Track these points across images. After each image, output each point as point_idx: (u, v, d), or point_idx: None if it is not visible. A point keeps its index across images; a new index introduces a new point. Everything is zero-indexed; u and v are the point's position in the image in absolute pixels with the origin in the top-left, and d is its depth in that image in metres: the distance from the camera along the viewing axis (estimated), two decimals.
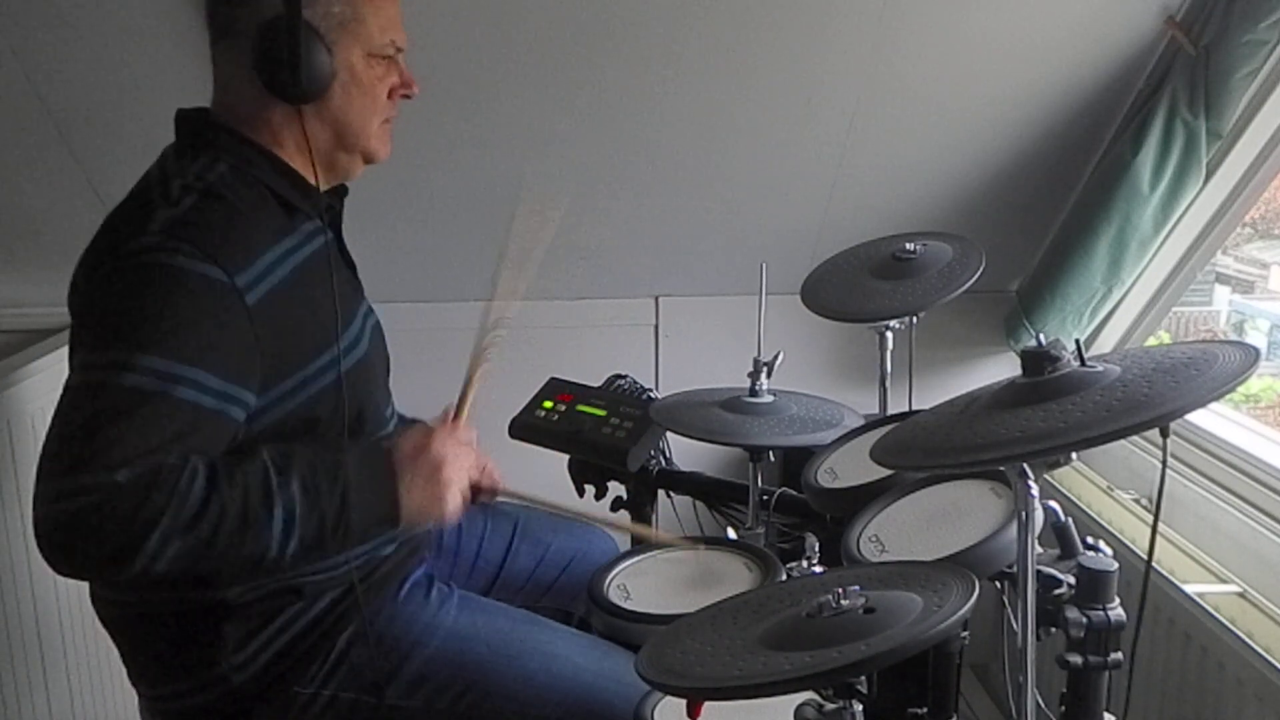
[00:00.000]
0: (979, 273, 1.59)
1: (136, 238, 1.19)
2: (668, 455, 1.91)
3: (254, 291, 1.20)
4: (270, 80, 1.25)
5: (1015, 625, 1.07)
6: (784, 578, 1.40)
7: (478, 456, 1.36)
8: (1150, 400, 0.94)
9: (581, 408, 1.81)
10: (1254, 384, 2.58)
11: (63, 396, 1.14)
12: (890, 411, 1.68)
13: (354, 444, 1.29)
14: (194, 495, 1.11)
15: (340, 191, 1.42)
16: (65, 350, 1.92)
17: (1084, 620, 1.12)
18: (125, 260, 1.18)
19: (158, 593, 1.27)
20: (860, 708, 1.04)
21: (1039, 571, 1.12)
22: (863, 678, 1.03)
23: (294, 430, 1.27)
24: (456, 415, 1.39)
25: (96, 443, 1.09)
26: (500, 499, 1.44)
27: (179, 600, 1.28)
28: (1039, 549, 1.10)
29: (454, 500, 1.28)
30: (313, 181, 1.33)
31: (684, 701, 1.06)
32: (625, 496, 1.85)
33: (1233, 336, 2.79)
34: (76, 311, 1.24)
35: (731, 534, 1.71)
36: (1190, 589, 1.71)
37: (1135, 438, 2.04)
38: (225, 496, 1.13)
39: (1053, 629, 1.14)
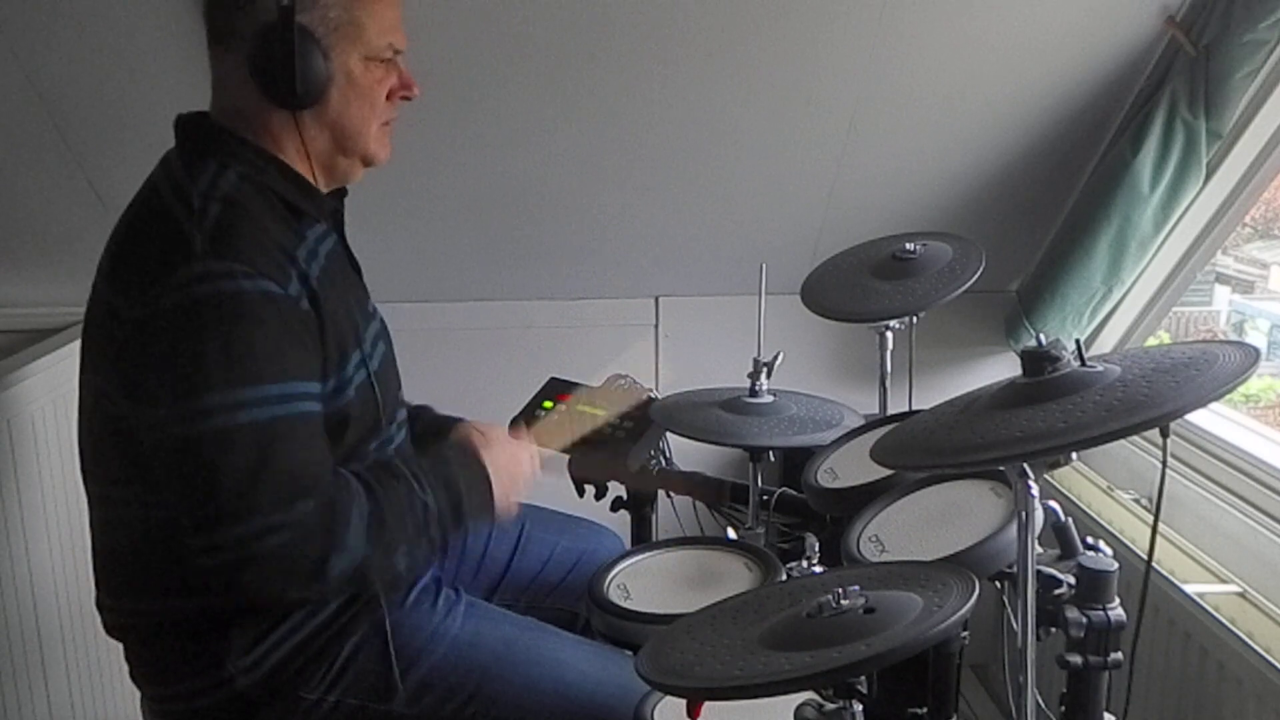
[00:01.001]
0: (979, 273, 1.59)
1: (184, 264, 1.17)
2: (668, 455, 1.91)
3: (302, 296, 1.23)
4: (267, 86, 1.25)
5: (1015, 625, 1.07)
6: (784, 578, 1.40)
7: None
8: (1150, 400, 0.94)
9: (581, 408, 1.81)
10: (1254, 384, 2.58)
11: (201, 444, 1.16)
12: (890, 411, 1.68)
13: (454, 450, 1.38)
14: (363, 510, 1.21)
15: (339, 194, 1.42)
16: (65, 350, 1.96)
17: (1084, 620, 1.12)
18: (185, 292, 1.17)
19: (182, 602, 1.28)
20: (860, 708, 1.04)
21: (1039, 571, 1.12)
22: (863, 678, 1.03)
23: (348, 422, 1.29)
24: (527, 425, 1.58)
25: (267, 480, 1.15)
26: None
27: (190, 607, 1.28)
28: (1039, 549, 1.10)
29: (515, 504, 1.40)
30: (318, 186, 1.33)
31: (684, 701, 1.06)
32: (625, 496, 1.85)
33: (1233, 336, 2.79)
34: (134, 341, 1.21)
35: (731, 534, 1.71)
36: (1190, 589, 1.71)
37: (1135, 438, 2.04)
38: (386, 509, 1.23)
39: (1053, 629, 1.14)
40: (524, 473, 1.42)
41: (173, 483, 1.20)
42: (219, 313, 1.17)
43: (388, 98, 1.34)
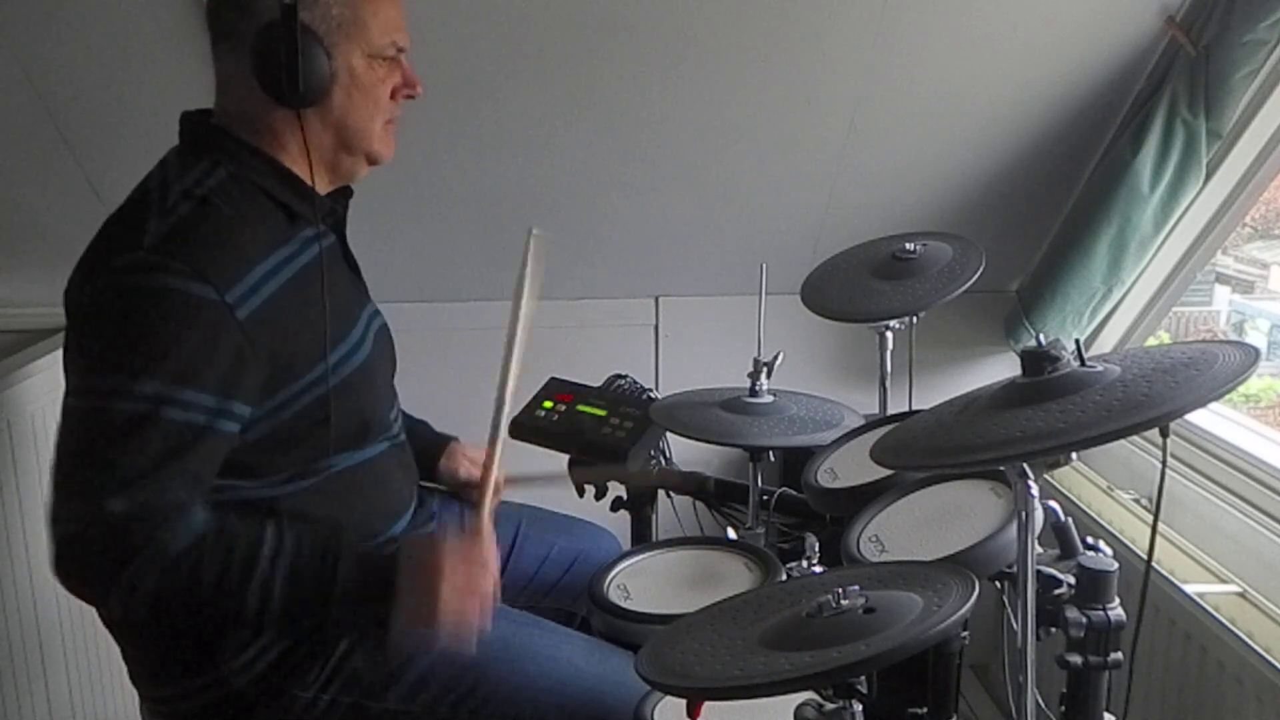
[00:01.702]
0: (979, 273, 1.59)
1: (128, 252, 1.19)
2: (668, 455, 1.91)
3: (245, 306, 1.20)
4: (269, 85, 1.24)
5: (1015, 625, 1.07)
6: (784, 578, 1.40)
7: (494, 574, 1.25)
8: (1150, 400, 0.94)
9: (581, 408, 1.81)
10: (1254, 384, 2.58)
11: (62, 419, 1.18)
12: (890, 411, 1.68)
13: (359, 550, 1.24)
14: (176, 540, 1.15)
15: (344, 193, 1.42)
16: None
17: (1084, 620, 1.12)
18: (117, 277, 1.19)
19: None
20: (860, 708, 1.04)
21: (1039, 571, 1.12)
22: (863, 678, 1.03)
23: (299, 435, 1.28)
24: (474, 518, 1.30)
25: (90, 470, 1.14)
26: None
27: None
28: (1039, 549, 1.10)
29: (462, 628, 1.21)
30: (313, 187, 1.33)
31: (684, 701, 1.06)
32: (625, 497, 1.85)
33: (1233, 336, 2.79)
34: (72, 322, 1.25)
35: (731, 534, 1.71)
36: (1190, 589, 1.71)
37: (1135, 438, 2.04)
38: (209, 551, 1.16)
39: (1053, 629, 1.14)
40: (460, 605, 1.20)
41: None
42: (138, 300, 1.17)
43: (391, 96, 1.34)
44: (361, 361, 1.36)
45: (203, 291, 1.17)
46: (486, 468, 1.34)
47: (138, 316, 1.17)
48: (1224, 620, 1.64)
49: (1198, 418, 1.95)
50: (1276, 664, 1.52)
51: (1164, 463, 1.08)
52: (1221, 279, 2.84)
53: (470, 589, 1.21)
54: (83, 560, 1.15)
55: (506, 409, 1.36)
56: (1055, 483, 2.20)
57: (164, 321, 1.17)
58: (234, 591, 1.17)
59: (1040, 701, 1.09)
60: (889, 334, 1.66)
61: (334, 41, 1.26)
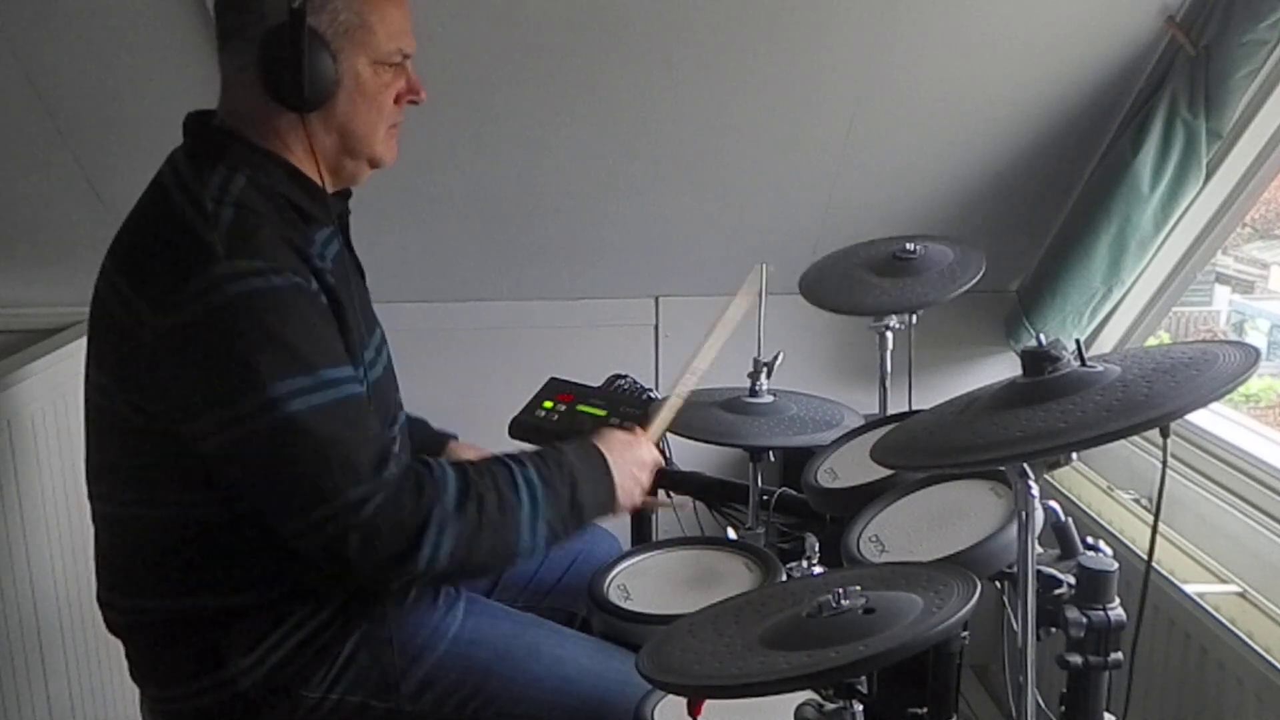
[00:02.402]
0: (979, 273, 1.59)
1: (209, 268, 1.17)
2: (668, 455, 1.91)
3: (320, 293, 1.24)
4: (275, 87, 1.24)
5: (1015, 625, 1.07)
6: (784, 578, 1.40)
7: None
8: (1150, 400, 0.94)
9: (581, 408, 1.81)
10: (1254, 384, 2.58)
11: (266, 440, 1.17)
12: (890, 411, 1.68)
13: (571, 441, 1.38)
14: (451, 483, 1.23)
15: (344, 196, 1.42)
16: (65, 350, 1.96)
17: (1084, 620, 1.12)
18: (215, 294, 1.16)
19: (183, 601, 1.29)
20: (860, 708, 1.04)
21: (1039, 571, 1.12)
22: (863, 678, 1.03)
23: None
24: (645, 428, 1.51)
25: (349, 454, 1.17)
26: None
27: (191, 607, 1.28)
28: (1039, 549, 1.10)
29: (640, 495, 1.41)
30: (323, 187, 1.33)
31: (684, 701, 1.06)
32: None
33: (1233, 336, 2.79)
34: (167, 353, 1.20)
35: (731, 534, 1.71)
36: (1190, 589, 1.71)
37: (1135, 438, 2.04)
38: (478, 485, 1.24)
39: (1053, 629, 1.14)
40: (645, 460, 1.43)
41: (249, 481, 1.22)
42: (253, 309, 1.17)
43: (395, 101, 1.34)
44: (386, 362, 1.40)
45: (297, 281, 1.20)
46: (666, 408, 1.55)
47: (266, 319, 1.17)
48: (1224, 620, 1.64)
49: (1198, 418, 1.94)
50: (1276, 664, 1.52)
51: (1164, 463, 1.08)
52: (1221, 279, 2.85)
53: (649, 465, 1.44)
54: (393, 531, 1.18)
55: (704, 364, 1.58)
56: (1055, 483, 2.20)
57: (293, 315, 1.19)
58: (512, 506, 1.25)
59: (1040, 701, 1.09)
60: (889, 334, 1.66)
61: (340, 46, 1.26)
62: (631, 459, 1.40)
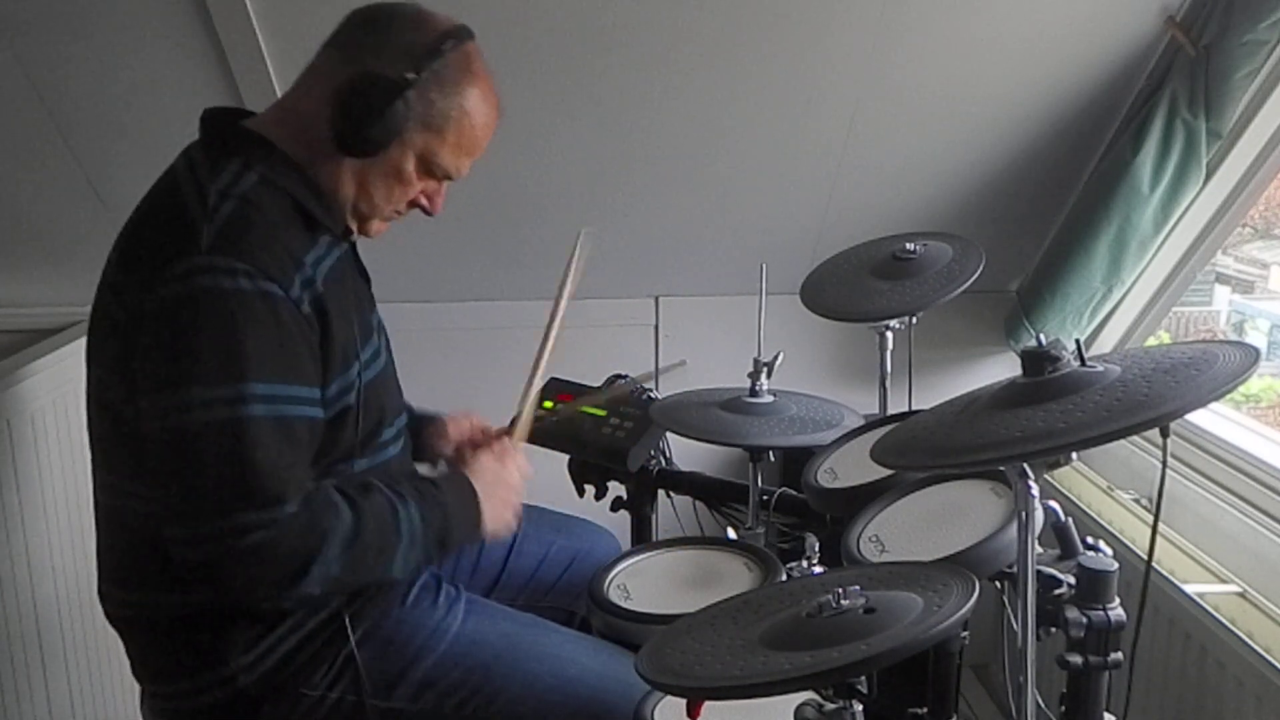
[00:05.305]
0: (979, 273, 1.59)
1: (186, 257, 1.18)
2: (668, 455, 1.91)
3: (304, 302, 1.23)
4: (336, 115, 1.25)
5: (1015, 625, 1.07)
6: (784, 578, 1.40)
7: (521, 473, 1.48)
8: (1150, 400, 0.94)
9: (581, 408, 1.81)
10: (1254, 384, 2.58)
11: (182, 436, 1.17)
12: (890, 411, 1.68)
13: (444, 473, 1.42)
14: (344, 520, 1.22)
15: None
16: (65, 350, 1.96)
17: (1084, 620, 1.12)
18: (184, 283, 1.17)
19: (182, 597, 1.28)
20: (860, 708, 1.04)
21: (1039, 571, 1.12)
22: (863, 678, 1.04)
23: (331, 437, 1.29)
24: (510, 433, 1.54)
25: (251, 478, 1.16)
26: None
27: (191, 603, 1.28)
28: (1039, 549, 1.10)
29: (511, 517, 1.42)
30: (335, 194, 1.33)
31: (684, 701, 1.06)
32: (625, 496, 1.85)
33: (1233, 336, 2.79)
34: (129, 331, 1.21)
35: (731, 534, 1.71)
36: (1190, 589, 1.71)
37: (1135, 438, 2.04)
38: (367, 529, 1.24)
39: (1053, 629, 1.14)
40: (514, 484, 1.44)
41: (158, 472, 1.20)
42: (215, 307, 1.17)
43: (412, 200, 1.37)
44: (383, 365, 1.40)
45: (271, 290, 1.19)
46: (527, 399, 1.55)
47: (224, 320, 1.17)
48: (1224, 620, 1.64)
49: (1198, 418, 1.95)
50: (1276, 664, 1.52)
51: (1164, 463, 1.08)
52: (1221, 279, 2.85)
53: (520, 485, 1.45)
54: (274, 564, 1.17)
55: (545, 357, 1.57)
56: (1055, 483, 2.20)
57: (251, 323, 1.18)
58: (391, 543, 1.26)
59: (1040, 701, 1.09)
60: (889, 334, 1.66)
61: (413, 126, 1.28)
62: (501, 488, 1.41)
